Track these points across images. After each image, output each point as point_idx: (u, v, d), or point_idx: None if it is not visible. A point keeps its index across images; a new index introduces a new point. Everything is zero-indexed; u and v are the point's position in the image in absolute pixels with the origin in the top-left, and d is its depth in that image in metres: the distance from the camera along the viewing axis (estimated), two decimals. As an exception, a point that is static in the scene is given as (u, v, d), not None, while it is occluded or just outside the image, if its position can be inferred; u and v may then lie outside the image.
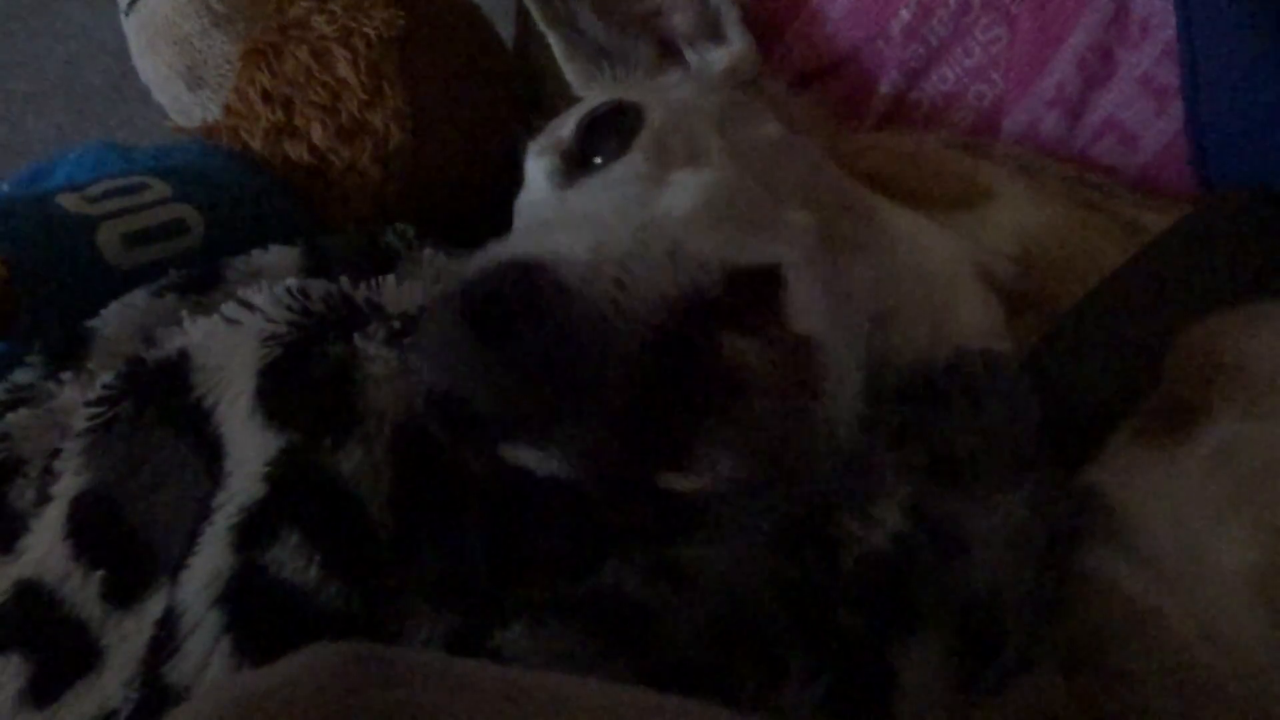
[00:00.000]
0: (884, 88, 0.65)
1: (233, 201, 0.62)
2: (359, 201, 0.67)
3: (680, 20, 0.61)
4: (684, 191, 0.44)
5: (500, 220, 0.61)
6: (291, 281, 0.39)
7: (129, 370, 0.38)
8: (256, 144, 0.67)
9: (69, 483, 0.36)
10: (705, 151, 0.49)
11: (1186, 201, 0.57)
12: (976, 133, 0.63)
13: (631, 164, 0.48)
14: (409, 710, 0.23)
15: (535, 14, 0.63)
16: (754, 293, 0.38)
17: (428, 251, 0.53)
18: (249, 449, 0.35)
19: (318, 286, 0.39)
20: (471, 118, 0.71)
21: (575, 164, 0.52)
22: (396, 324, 0.39)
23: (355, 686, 0.23)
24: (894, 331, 0.48)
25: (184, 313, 0.40)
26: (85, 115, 1.13)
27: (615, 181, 0.47)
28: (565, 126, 0.54)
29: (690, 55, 0.61)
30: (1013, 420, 0.40)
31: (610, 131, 0.51)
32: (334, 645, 0.25)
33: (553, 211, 0.51)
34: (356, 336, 0.37)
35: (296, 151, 0.66)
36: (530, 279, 0.33)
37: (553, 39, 0.63)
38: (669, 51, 0.62)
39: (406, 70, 0.66)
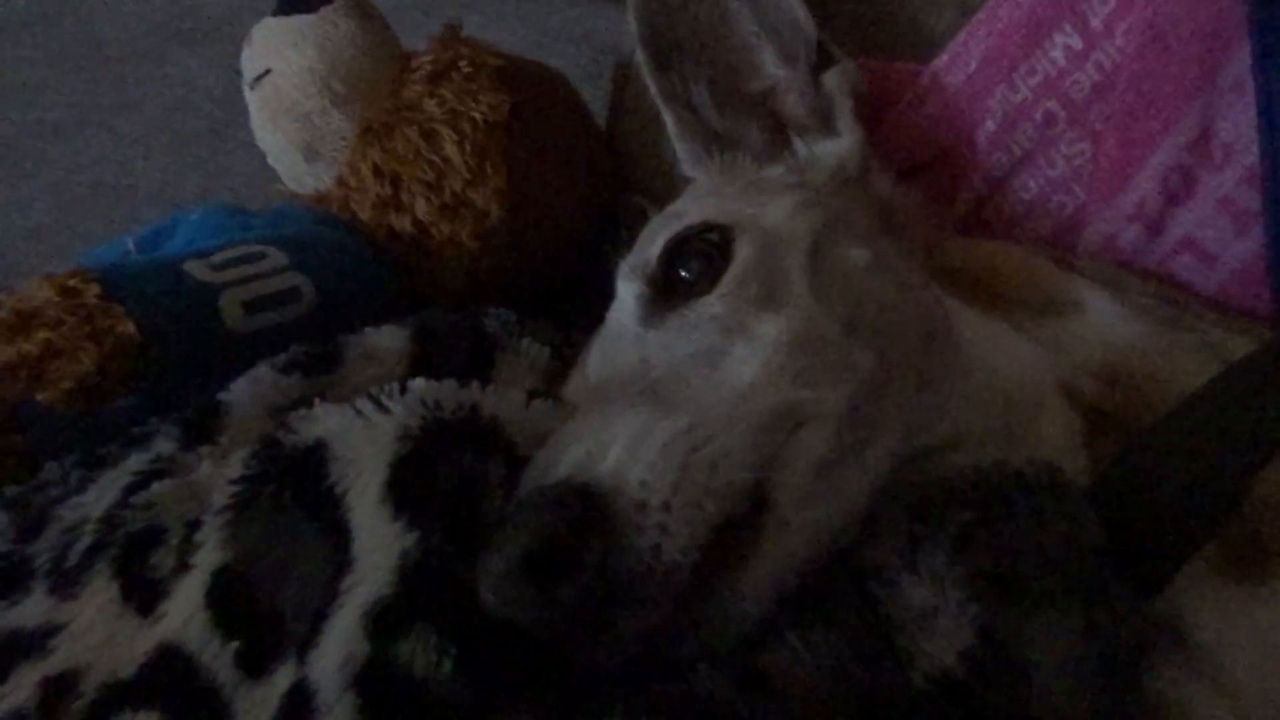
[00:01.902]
0: (966, 191, 0.67)
1: (341, 271, 0.66)
2: (456, 273, 0.71)
3: (793, 102, 0.63)
4: (756, 356, 0.47)
5: (589, 290, 0.63)
6: (422, 384, 0.42)
7: (267, 453, 0.41)
8: (365, 214, 0.71)
9: (210, 555, 0.39)
10: (788, 291, 0.51)
11: (1266, 325, 0.58)
12: (1056, 241, 0.65)
13: (712, 310, 0.50)
14: None
15: (653, 88, 0.65)
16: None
17: (525, 341, 0.56)
18: (376, 537, 0.38)
19: (448, 394, 0.42)
20: (566, 197, 0.74)
21: (661, 286, 0.53)
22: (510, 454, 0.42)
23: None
24: (969, 448, 0.50)
25: (317, 400, 0.44)
26: (187, 159, 1.19)
27: (694, 331, 0.49)
28: (655, 245, 0.55)
29: (799, 146, 0.63)
30: (1073, 538, 0.41)
31: (698, 252, 0.53)
32: None
33: (633, 353, 0.51)
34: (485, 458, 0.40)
35: (401, 224, 0.70)
36: (584, 514, 0.37)
37: (667, 115, 0.65)
38: (779, 136, 0.64)
39: (508, 152, 0.70)
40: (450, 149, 0.69)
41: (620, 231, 0.68)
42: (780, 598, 0.40)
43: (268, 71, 0.70)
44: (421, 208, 0.70)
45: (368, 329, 0.54)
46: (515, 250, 0.72)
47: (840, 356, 0.49)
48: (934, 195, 0.67)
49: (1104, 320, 0.57)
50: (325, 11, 0.69)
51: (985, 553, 0.41)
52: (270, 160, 0.76)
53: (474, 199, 0.70)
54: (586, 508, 0.36)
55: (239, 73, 0.75)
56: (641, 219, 0.64)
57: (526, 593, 0.35)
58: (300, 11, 0.69)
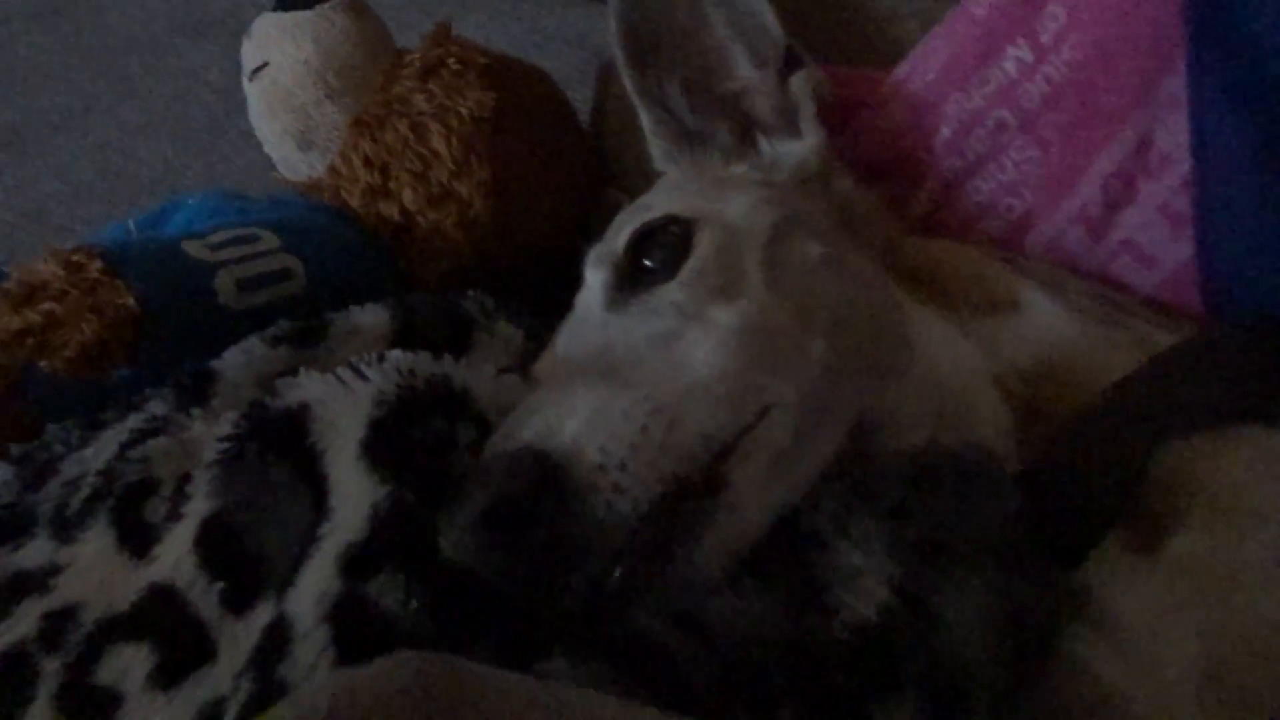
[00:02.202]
0: (924, 193, 0.71)
1: (332, 254, 0.70)
2: (440, 260, 0.75)
3: (761, 104, 0.67)
4: (709, 338, 0.50)
5: (570, 281, 0.67)
6: (399, 355, 0.46)
7: (254, 413, 0.45)
8: (354, 202, 0.75)
9: (199, 504, 0.43)
10: (744, 282, 0.54)
11: (1197, 322, 0.62)
12: (1005, 241, 0.69)
13: (671, 296, 0.53)
14: (479, 712, 0.29)
15: (629, 86, 0.69)
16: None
17: (501, 324, 0.60)
18: (352, 489, 0.41)
19: (423, 365, 0.46)
20: (548, 190, 0.78)
21: (625, 275, 0.57)
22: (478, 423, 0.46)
23: (434, 686, 0.29)
24: (904, 432, 0.54)
25: (302, 368, 0.47)
26: (189, 147, 1.22)
27: (654, 315, 0.53)
28: (621, 235, 0.59)
29: (764, 145, 0.67)
30: (993, 510, 0.45)
31: (661, 243, 0.57)
32: (422, 653, 0.31)
33: (598, 336, 0.55)
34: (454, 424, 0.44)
35: (389, 211, 0.74)
36: (541, 476, 0.40)
37: (642, 112, 0.69)
38: (746, 136, 0.68)
39: (493, 146, 0.74)
40: (437, 142, 0.73)
41: (596, 224, 0.72)
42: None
43: (265, 64, 0.74)
44: (409, 197, 0.74)
45: (353, 307, 0.58)
46: (498, 239, 0.75)
47: (793, 345, 0.52)
48: (894, 196, 0.71)
49: (1042, 319, 0.61)
50: (322, 8, 0.73)
51: (911, 521, 0.45)
52: (266, 149, 0.79)
53: (459, 190, 0.74)
54: (543, 470, 0.40)
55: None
56: (617, 212, 0.68)
57: (483, 544, 0.39)
58: (298, 7, 0.73)
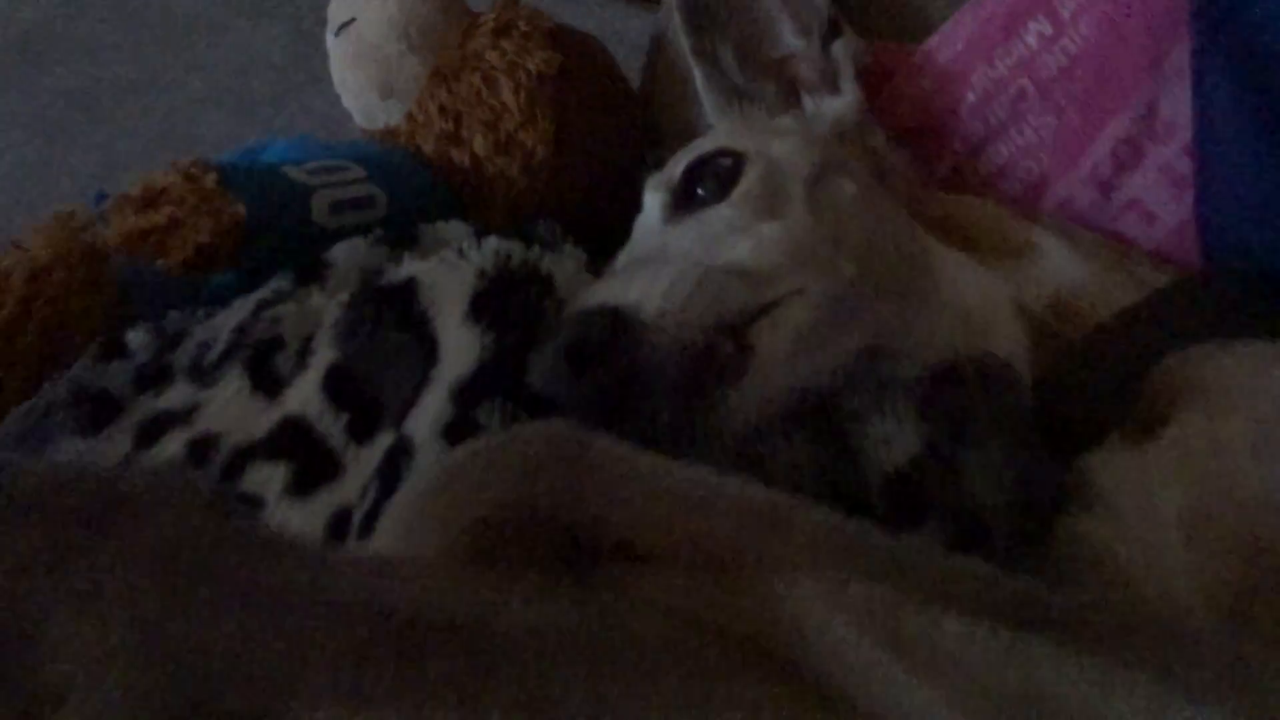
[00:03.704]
0: (949, 155, 0.78)
1: (408, 188, 0.77)
2: (504, 203, 0.82)
3: (805, 68, 0.74)
4: (751, 241, 0.57)
5: (621, 224, 0.74)
6: (495, 240, 0.53)
7: (368, 285, 0.52)
8: (428, 148, 0.82)
9: (323, 355, 0.50)
10: (787, 205, 0.61)
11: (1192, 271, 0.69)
12: (1023, 200, 0.76)
13: (721, 213, 0.60)
14: (600, 479, 0.35)
15: (687, 46, 0.75)
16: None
17: (567, 246, 0.67)
18: (459, 339, 0.48)
19: (517, 249, 0.53)
20: (602, 144, 0.85)
21: (681, 199, 0.64)
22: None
23: (562, 449, 0.35)
24: (930, 347, 0.60)
25: (405, 254, 0.54)
26: (251, 120, 1.30)
27: (706, 225, 0.60)
28: (678, 165, 0.66)
29: (807, 102, 0.74)
30: (1008, 401, 0.52)
31: (713, 173, 0.64)
32: (561, 422, 0.37)
33: (655, 242, 0.63)
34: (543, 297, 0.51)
35: (460, 157, 0.81)
36: (614, 324, 0.47)
37: (697, 70, 0.76)
38: (791, 95, 0.75)
39: (556, 101, 0.81)
40: (507, 95, 0.80)
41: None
42: (767, 420, 0.50)
43: (352, 20, 0.81)
44: (479, 144, 0.81)
45: (438, 223, 0.65)
46: (556, 186, 0.82)
47: (825, 259, 0.59)
48: (922, 157, 0.78)
49: (1056, 261, 0.68)
50: (403, -29, 0.81)
51: (937, 402, 0.52)
52: (346, 100, 0.87)
53: (524, 139, 0.81)
54: (614, 319, 0.47)
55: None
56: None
57: (564, 378, 0.45)
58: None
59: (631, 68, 1.02)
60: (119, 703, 0.22)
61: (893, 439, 0.49)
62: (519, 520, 0.33)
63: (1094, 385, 0.58)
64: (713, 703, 0.31)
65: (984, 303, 0.65)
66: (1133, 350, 0.59)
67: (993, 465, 0.48)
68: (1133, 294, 0.65)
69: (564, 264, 0.55)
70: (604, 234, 0.82)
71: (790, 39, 0.76)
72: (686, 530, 0.35)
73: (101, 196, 0.75)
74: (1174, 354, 0.56)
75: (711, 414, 0.48)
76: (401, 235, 0.61)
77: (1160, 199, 0.72)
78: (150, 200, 0.64)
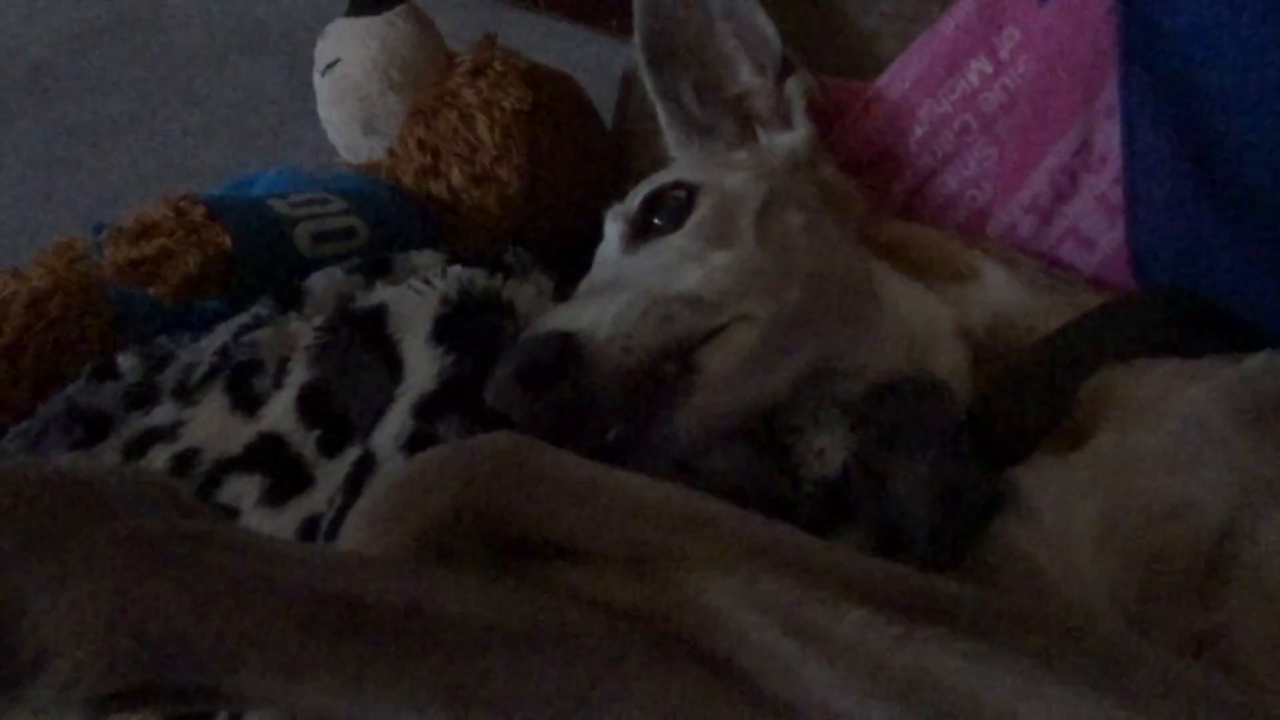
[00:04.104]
0: (900, 185, 0.82)
1: (388, 220, 0.82)
2: (480, 233, 0.86)
3: (760, 104, 0.79)
4: (701, 269, 0.61)
5: (588, 251, 0.78)
6: (459, 269, 0.58)
7: (342, 310, 0.56)
8: (408, 180, 0.86)
9: (298, 375, 0.54)
10: (736, 235, 0.65)
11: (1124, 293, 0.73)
12: (969, 228, 0.80)
13: (675, 242, 0.64)
14: (545, 483, 0.39)
15: (649, 85, 0.80)
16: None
17: (535, 273, 0.71)
18: (423, 359, 0.52)
19: (479, 278, 0.57)
20: (574, 176, 0.90)
21: (639, 228, 0.68)
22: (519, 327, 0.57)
23: (508, 456, 0.39)
24: (873, 369, 0.64)
25: (377, 283, 0.59)
26: (248, 151, 1.35)
27: (660, 254, 0.64)
28: (637, 196, 0.70)
29: (762, 136, 0.78)
30: (939, 417, 0.56)
31: (669, 204, 0.68)
32: (509, 434, 0.41)
33: (612, 270, 0.66)
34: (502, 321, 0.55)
35: (438, 189, 0.86)
36: (563, 348, 0.50)
37: (659, 107, 0.80)
38: (748, 129, 0.79)
39: (530, 136, 0.86)
40: (483, 130, 0.85)
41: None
42: (710, 436, 0.54)
43: (338, 60, 0.86)
44: (456, 177, 0.85)
45: (411, 251, 0.69)
46: (529, 217, 0.87)
47: (771, 285, 0.63)
48: (875, 187, 0.82)
49: (997, 285, 0.72)
50: (388, 14, 0.86)
51: (871, 418, 0.56)
52: (331, 135, 0.91)
53: (499, 173, 0.85)
54: (565, 343, 0.51)
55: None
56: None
57: (517, 397, 0.49)
58: (368, 13, 0.86)
59: (611, 99, 1.06)
60: (89, 670, 0.26)
61: (826, 451, 0.53)
62: (463, 522, 0.38)
63: (1025, 401, 0.62)
64: (630, 683, 0.35)
65: (927, 324, 0.69)
66: (1061, 369, 0.63)
67: (918, 476, 0.51)
68: (1068, 316, 0.69)
69: (525, 290, 0.59)
70: (576, 261, 0.86)
71: (747, 77, 0.80)
72: (616, 533, 0.39)
73: (99, 227, 0.79)
74: (1101, 372, 0.61)
75: (655, 430, 0.52)
76: (377, 263, 0.66)
77: (1096, 226, 0.76)
78: (142, 232, 0.69)
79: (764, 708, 0.36)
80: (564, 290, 0.74)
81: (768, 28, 0.78)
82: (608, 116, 1.07)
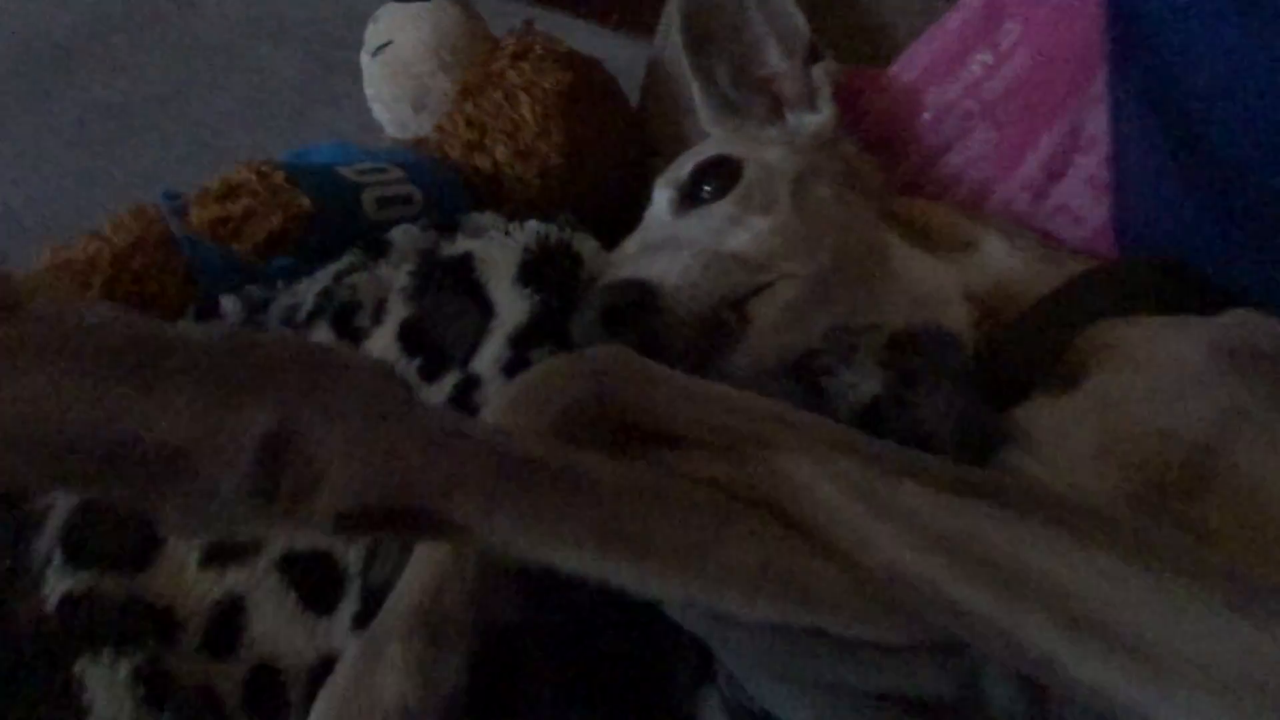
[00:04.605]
0: (908, 164, 0.90)
1: (439, 189, 0.89)
2: (521, 205, 0.93)
3: (789, 86, 0.86)
4: (749, 233, 0.70)
5: (622, 220, 0.86)
6: (535, 223, 0.65)
7: (430, 258, 0.63)
8: (455, 154, 0.93)
9: (396, 313, 0.61)
10: (776, 204, 0.74)
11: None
12: (971, 203, 0.88)
13: (723, 209, 0.73)
14: (643, 392, 0.46)
15: (687, 64, 0.87)
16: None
17: (580, 235, 0.79)
18: (512, 298, 0.60)
19: (554, 231, 0.65)
20: (606, 152, 0.97)
21: (686, 196, 0.77)
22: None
23: (611, 365, 0.46)
24: (889, 320, 0.73)
25: (458, 235, 0.66)
26: (274, 132, 1.41)
27: (709, 218, 0.72)
28: (684, 168, 0.78)
29: (790, 116, 0.86)
30: (951, 359, 0.64)
31: (715, 175, 0.76)
32: (619, 346, 0.48)
33: (666, 231, 0.75)
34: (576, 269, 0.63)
35: (483, 163, 0.93)
36: (640, 295, 0.58)
37: (696, 84, 0.88)
38: (776, 109, 0.87)
39: (568, 115, 0.93)
40: (525, 109, 0.92)
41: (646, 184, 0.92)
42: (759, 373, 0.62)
43: (390, 42, 0.93)
44: (500, 152, 0.92)
45: (474, 213, 0.76)
46: (567, 190, 0.94)
47: (807, 249, 0.71)
48: (887, 165, 0.90)
49: (997, 255, 0.80)
50: (438, 0, 0.93)
51: (893, 359, 0.64)
52: (378, 111, 0.98)
53: (540, 148, 0.93)
54: (642, 290, 0.59)
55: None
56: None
57: (601, 335, 0.57)
58: (419, -1, 0.93)
59: (626, 88, 1.14)
60: (350, 493, 0.33)
61: (859, 384, 0.61)
62: (586, 413, 0.45)
63: (1023, 353, 0.71)
64: (735, 534, 0.43)
65: (936, 288, 0.77)
66: (1054, 325, 0.71)
67: (939, 403, 0.59)
68: (1059, 281, 0.78)
69: (588, 244, 0.66)
70: (608, 227, 0.94)
71: (776, 60, 0.88)
72: (716, 421, 0.47)
73: (171, 195, 0.85)
74: (1094, 325, 0.69)
75: (714, 366, 0.60)
76: (444, 222, 0.73)
77: (1085, 203, 0.85)
78: (228, 193, 0.76)
79: (836, 560, 0.43)
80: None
81: (797, 16, 0.86)
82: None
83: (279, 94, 1.51)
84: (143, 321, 0.33)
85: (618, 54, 1.53)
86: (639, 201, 0.88)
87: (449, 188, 0.90)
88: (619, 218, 0.89)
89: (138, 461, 0.30)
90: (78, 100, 1.46)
